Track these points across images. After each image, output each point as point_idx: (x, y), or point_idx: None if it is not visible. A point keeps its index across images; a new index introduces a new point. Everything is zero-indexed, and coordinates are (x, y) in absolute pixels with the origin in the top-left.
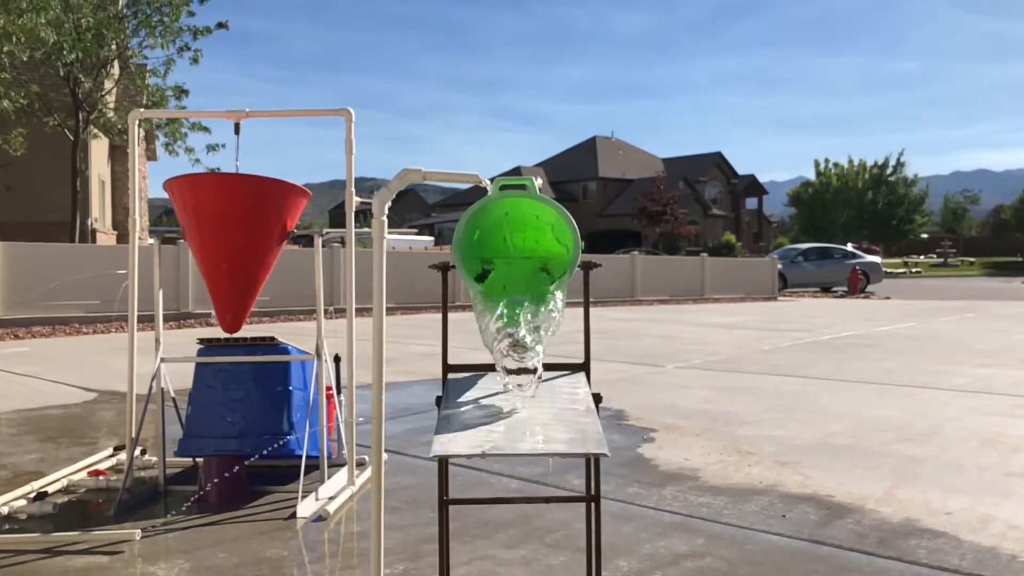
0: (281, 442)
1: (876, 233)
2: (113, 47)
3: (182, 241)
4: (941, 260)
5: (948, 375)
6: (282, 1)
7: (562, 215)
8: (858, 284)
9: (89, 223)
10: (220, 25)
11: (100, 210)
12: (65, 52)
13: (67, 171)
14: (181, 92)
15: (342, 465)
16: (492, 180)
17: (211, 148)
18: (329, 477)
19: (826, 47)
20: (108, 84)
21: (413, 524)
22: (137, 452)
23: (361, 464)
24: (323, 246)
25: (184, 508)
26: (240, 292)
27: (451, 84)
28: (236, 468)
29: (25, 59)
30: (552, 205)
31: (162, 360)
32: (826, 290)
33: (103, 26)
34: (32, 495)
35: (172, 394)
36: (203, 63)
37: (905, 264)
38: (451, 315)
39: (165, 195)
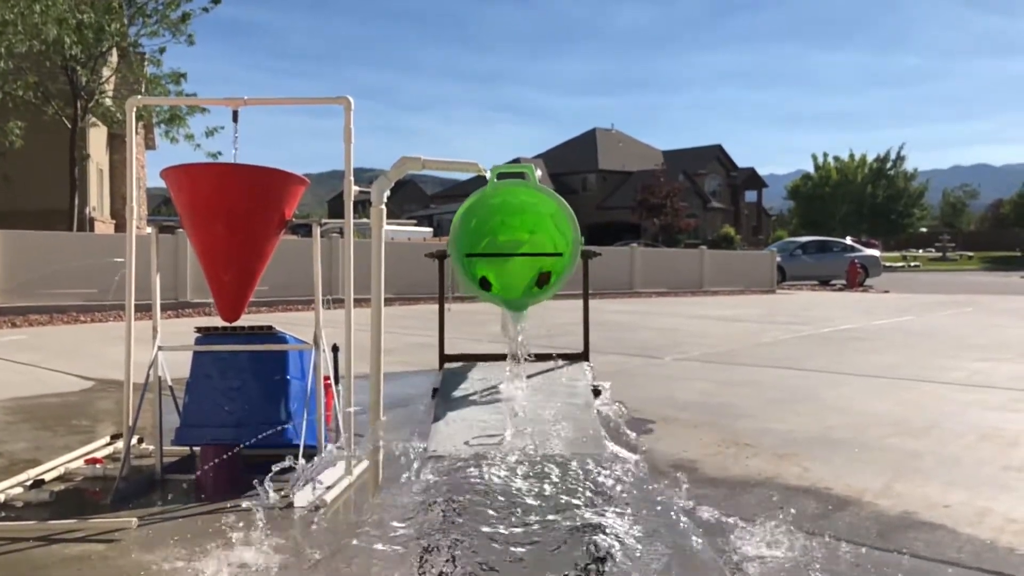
0: (278, 431)
1: (875, 227)
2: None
3: (180, 230)
4: (940, 254)
5: (947, 369)
6: None
7: (561, 206)
8: (856, 278)
9: (87, 211)
10: (214, 1)
11: (98, 199)
12: (66, 47)
13: (65, 159)
14: (179, 77)
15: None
16: (491, 169)
17: (210, 132)
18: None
19: (827, 42)
20: (106, 72)
21: None
22: (134, 440)
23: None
24: (322, 236)
25: (181, 496)
26: (239, 281)
27: (451, 77)
28: (233, 457)
29: (24, 50)
30: (551, 196)
31: (159, 349)
32: (825, 283)
33: (104, 20)
34: (29, 483)
35: (169, 383)
36: (202, 52)
37: (904, 258)
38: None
39: (163, 184)
